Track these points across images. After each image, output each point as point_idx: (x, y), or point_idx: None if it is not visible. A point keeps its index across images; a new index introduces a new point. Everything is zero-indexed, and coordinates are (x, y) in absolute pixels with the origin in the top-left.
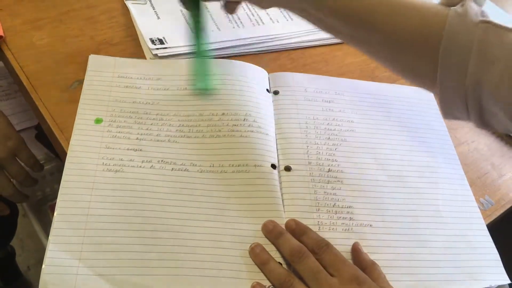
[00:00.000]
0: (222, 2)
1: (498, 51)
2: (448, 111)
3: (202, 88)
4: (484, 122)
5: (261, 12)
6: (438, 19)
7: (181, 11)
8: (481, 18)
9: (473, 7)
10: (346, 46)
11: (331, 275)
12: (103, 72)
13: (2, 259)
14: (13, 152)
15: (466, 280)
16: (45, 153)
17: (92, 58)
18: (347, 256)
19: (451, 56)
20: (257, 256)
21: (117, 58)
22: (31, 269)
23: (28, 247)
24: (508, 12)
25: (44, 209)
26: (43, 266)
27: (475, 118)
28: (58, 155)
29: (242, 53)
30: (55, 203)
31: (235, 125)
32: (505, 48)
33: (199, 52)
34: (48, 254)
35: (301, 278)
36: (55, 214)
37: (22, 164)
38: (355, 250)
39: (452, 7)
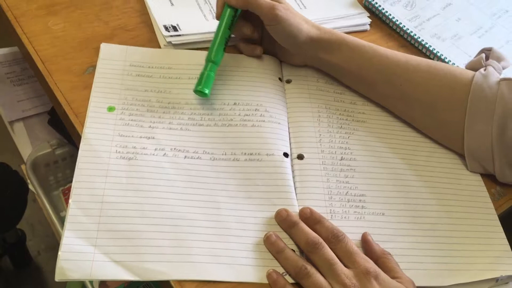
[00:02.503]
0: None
1: None
2: (474, 161)
3: (200, 92)
4: (504, 173)
5: None
6: (465, 77)
7: None
8: (501, 77)
9: (494, 71)
10: (359, 36)
11: (346, 266)
12: (115, 61)
13: (13, 244)
14: None
15: (477, 270)
16: (58, 138)
17: (104, 47)
18: (359, 245)
19: (478, 105)
20: (272, 244)
21: (129, 47)
22: (42, 254)
23: (39, 232)
24: None
25: (56, 194)
26: (59, 252)
27: (499, 167)
28: (70, 141)
29: None
30: (67, 188)
31: (247, 114)
32: None
33: (211, 59)
34: (64, 240)
35: (315, 267)
36: (70, 201)
37: None
38: (366, 241)
39: (477, 71)
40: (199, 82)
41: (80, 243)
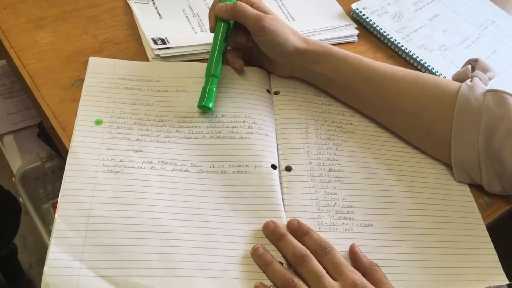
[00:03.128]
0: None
1: (503, 110)
2: (461, 171)
3: (204, 107)
4: (491, 184)
5: None
6: (452, 88)
7: (183, 11)
8: (487, 88)
9: (480, 82)
10: (347, 47)
11: (333, 278)
12: (103, 74)
13: (4, 257)
14: None
15: (465, 280)
16: (47, 151)
17: (92, 60)
18: (347, 256)
19: (464, 116)
20: (260, 257)
21: (117, 60)
22: (33, 266)
23: (30, 244)
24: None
25: (46, 207)
26: (45, 267)
27: (487, 178)
28: (59, 153)
29: None
30: (57, 200)
31: (235, 126)
32: (508, 107)
33: (211, 72)
34: (50, 255)
35: (303, 279)
36: (56, 215)
37: None
38: (353, 253)
39: (463, 82)
40: (203, 97)
41: (66, 257)
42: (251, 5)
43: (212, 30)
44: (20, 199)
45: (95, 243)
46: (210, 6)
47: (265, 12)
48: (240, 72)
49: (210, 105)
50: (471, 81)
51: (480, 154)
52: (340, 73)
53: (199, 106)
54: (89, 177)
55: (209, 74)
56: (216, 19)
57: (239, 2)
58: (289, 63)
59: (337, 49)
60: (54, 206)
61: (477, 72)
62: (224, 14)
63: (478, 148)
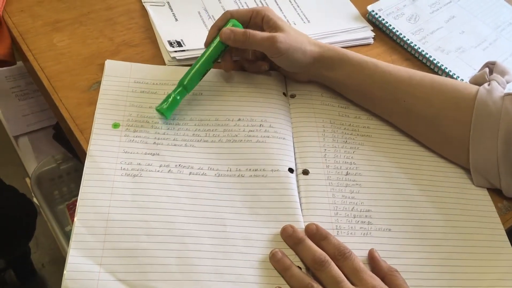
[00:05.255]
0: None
1: None
2: (480, 176)
3: (161, 111)
4: (511, 188)
5: (278, 14)
6: (469, 91)
7: (199, 13)
8: (506, 92)
9: (498, 86)
10: (363, 49)
11: (352, 284)
12: (119, 77)
13: (17, 257)
14: None
15: (485, 286)
16: (62, 152)
17: (109, 63)
18: (366, 261)
19: (483, 121)
20: (278, 262)
21: (133, 64)
22: (46, 266)
23: (43, 245)
24: None
25: (61, 209)
26: (65, 271)
27: (506, 182)
28: (75, 155)
29: None
30: (72, 202)
31: (251, 130)
32: None
33: (183, 83)
34: (69, 259)
35: (322, 285)
36: (75, 219)
37: None
38: (372, 258)
39: (481, 86)
40: (165, 102)
41: (86, 261)
42: (262, 18)
43: (207, 45)
44: (35, 200)
45: (114, 247)
46: (225, 8)
47: (276, 27)
48: (263, 73)
49: (168, 114)
50: (489, 84)
51: (499, 159)
52: (355, 79)
53: (157, 109)
54: (107, 180)
55: (181, 84)
56: (215, 36)
57: (248, 31)
58: (305, 70)
59: (352, 54)
60: (69, 207)
61: (494, 75)
62: (233, 43)
63: (497, 153)
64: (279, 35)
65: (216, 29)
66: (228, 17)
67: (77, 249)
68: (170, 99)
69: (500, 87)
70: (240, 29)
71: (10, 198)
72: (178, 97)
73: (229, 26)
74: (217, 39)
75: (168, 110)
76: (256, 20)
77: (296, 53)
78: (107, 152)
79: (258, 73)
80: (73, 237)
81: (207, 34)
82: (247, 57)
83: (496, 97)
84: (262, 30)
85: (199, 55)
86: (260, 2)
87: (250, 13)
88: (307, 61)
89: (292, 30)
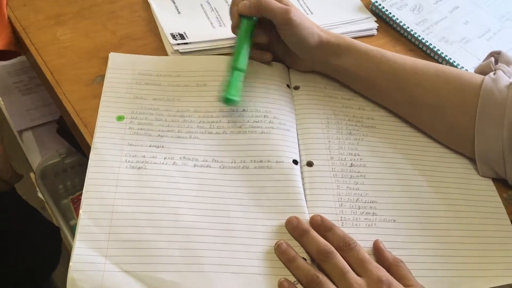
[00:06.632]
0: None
1: None
2: (485, 165)
3: (229, 100)
4: None
5: None
6: (475, 81)
7: (202, 6)
8: (511, 81)
9: (503, 75)
10: (367, 40)
11: (358, 274)
12: (123, 70)
13: None
14: None
15: (490, 276)
16: (66, 147)
17: (112, 56)
18: (371, 252)
19: (488, 110)
20: (283, 253)
21: (137, 56)
22: None
23: None
24: None
25: (66, 203)
26: (70, 263)
27: (511, 171)
28: (79, 150)
29: None
30: (76, 196)
31: (255, 121)
32: None
33: (236, 66)
34: (75, 251)
35: (327, 276)
36: (80, 211)
37: None
38: (377, 249)
39: (486, 75)
40: (229, 89)
41: (91, 253)
42: None
43: (234, 28)
44: (40, 195)
45: (119, 238)
46: (228, 0)
47: (288, 3)
48: (268, 63)
49: (236, 98)
50: (494, 74)
51: (505, 148)
52: (361, 67)
53: (225, 98)
54: (112, 173)
55: (235, 68)
56: (239, 16)
57: None
58: (310, 57)
59: (358, 42)
60: (74, 201)
61: (500, 64)
62: (249, 11)
63: (502, 142)
64: (293, 8)
65: (236, 7)
66: None
67: (83, 241)
68: (233, 84)
69: (506, 77)
70: None
71: (30, 222)
72: (239, 79)
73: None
74: (243, 19)
75: (236, 92)
76: None
77: (305, 31)
78: (112, 144)
79: (261, 61)
80: (79, 229)
81: (209, 27)
82: (262, 41)
83: (502, 86)
84: None
85: (203, 48)
86: None
87: None
88: (314, 43)
89: (302, 14)
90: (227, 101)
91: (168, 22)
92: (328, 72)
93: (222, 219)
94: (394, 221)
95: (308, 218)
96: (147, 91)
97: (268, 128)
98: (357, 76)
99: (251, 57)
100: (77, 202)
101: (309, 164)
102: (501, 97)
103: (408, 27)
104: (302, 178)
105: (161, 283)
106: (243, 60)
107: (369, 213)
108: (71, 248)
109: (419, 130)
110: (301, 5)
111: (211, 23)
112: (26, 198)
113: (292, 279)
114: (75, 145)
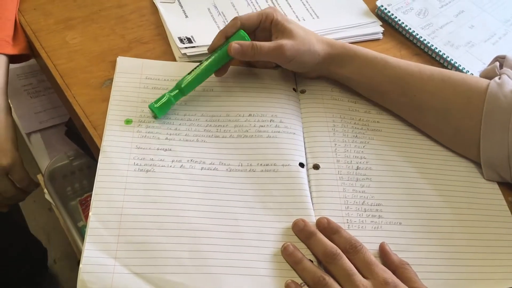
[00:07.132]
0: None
1: None
2: (490, 169)
3: (153, 109)
4: None
5: (287, 10)
6: (480, 85)
7: (209, 9)
8: None
9: (508, 80)
10: (372, 45)
11: (364, 276)
12: (131, 74)
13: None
14: (5, 171)
15: (495, 279)
16: (74, 149)
17: (120, 60)
18: (377, 255)
19: (494, 114)
20: (290, 255)
21: (145, 60)
22: (58, 262)
23: (54, 241)
24: None
25: (74, 205)
26: (81, 265)
27: None
28: (87, 152)
29: None
30: (84, 198)
31: (262, 126)
32: None
33: (181, 88)
34: (85, 253)
35: (333, 278)
36: (90, 214)
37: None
38: (383, 251)
39: (492, 79)
40: (159, 100)
41: (101, 255)
42: (270, 22)
43: (211, 51)
44: (47, 196)
45: (128, 240)
46: (235, 5)
47: (284, 30)
48: (273, 68)
49: (160, 115)
50: (499, 78)
51: (510, 153)
52: (365, 74)
53: (150, 106)
54: (121, 176)
55: (178, 87)
56: (221, 41)
57: (255, 43)
58: (314, 70)
59: (361, 49)
60: (82, 203)
61: (505, 69)
62: (241, 57)
63: (508, 146)
64: (286, 43)
65: (223, 37)
66: (237, 24)
67: (93, 243)
68: (164, 99)
69: (511, 81)
70: (248, 42)
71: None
72: (173, 99)
73: (236, 40)
74: (224, 49)
75: (160, 110)
76: (265, 24)
77: (304, 57)
78: (120, 148)
79: (266, 68)
80: (88, 232)
81: (217, 30)
82: (255, 65)
83: (507, 91)
84: (270, 33)
85: None
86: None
87: (259, 18)
88: (316, 61)
89: (300, 29)
90: (150, 108)
91: (176, 26)
92: (333, 78)
93: (230, 221)
94: (400, 223)
95: (315, 221)
96: (155, 95)
97: (275, 132)
98: (360, 82)
99: (254, 66)
100: (85, 204)
101: (316, 167)
102: (507, 102)
103: (414, 31)
104: (309, 181)
105: (170, 284)
106: (192, 85)
107: (375, 216)
108: (79, 250)
109: (424, 133)
110: (307, 9)
111: (218, 26)
112: (34, 200)
113: (299, 280)
114: (83, 148)
